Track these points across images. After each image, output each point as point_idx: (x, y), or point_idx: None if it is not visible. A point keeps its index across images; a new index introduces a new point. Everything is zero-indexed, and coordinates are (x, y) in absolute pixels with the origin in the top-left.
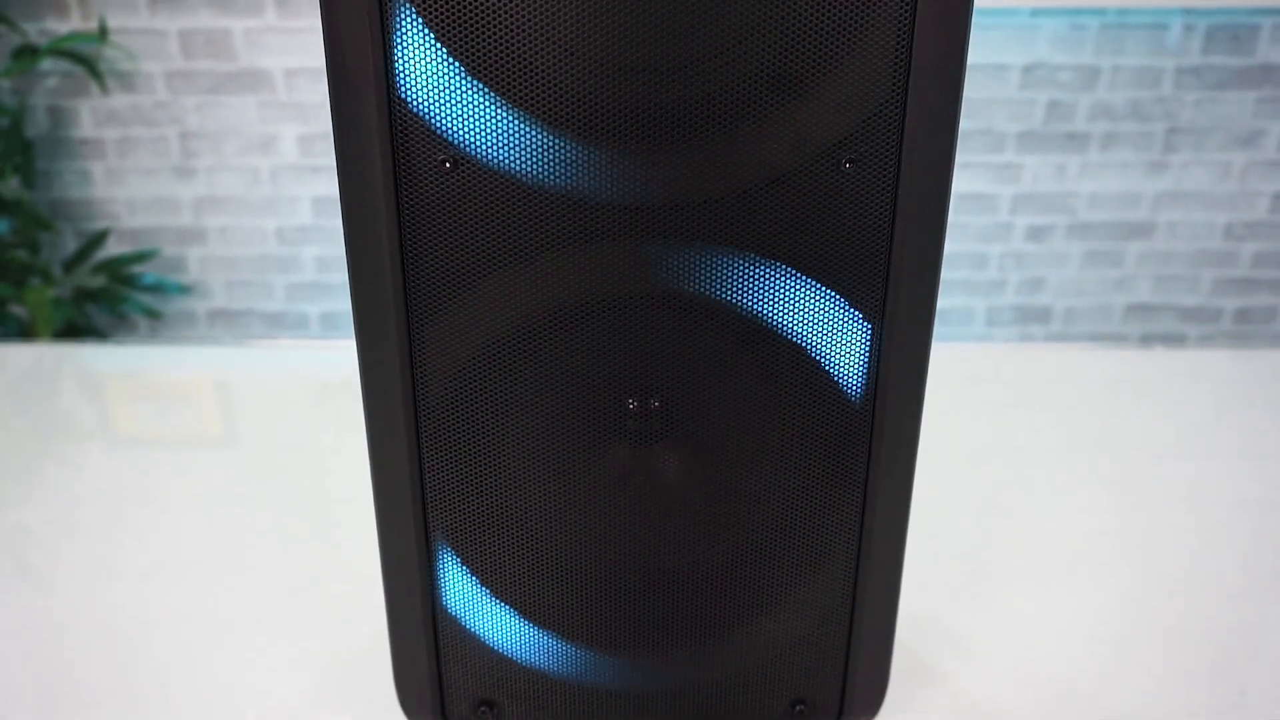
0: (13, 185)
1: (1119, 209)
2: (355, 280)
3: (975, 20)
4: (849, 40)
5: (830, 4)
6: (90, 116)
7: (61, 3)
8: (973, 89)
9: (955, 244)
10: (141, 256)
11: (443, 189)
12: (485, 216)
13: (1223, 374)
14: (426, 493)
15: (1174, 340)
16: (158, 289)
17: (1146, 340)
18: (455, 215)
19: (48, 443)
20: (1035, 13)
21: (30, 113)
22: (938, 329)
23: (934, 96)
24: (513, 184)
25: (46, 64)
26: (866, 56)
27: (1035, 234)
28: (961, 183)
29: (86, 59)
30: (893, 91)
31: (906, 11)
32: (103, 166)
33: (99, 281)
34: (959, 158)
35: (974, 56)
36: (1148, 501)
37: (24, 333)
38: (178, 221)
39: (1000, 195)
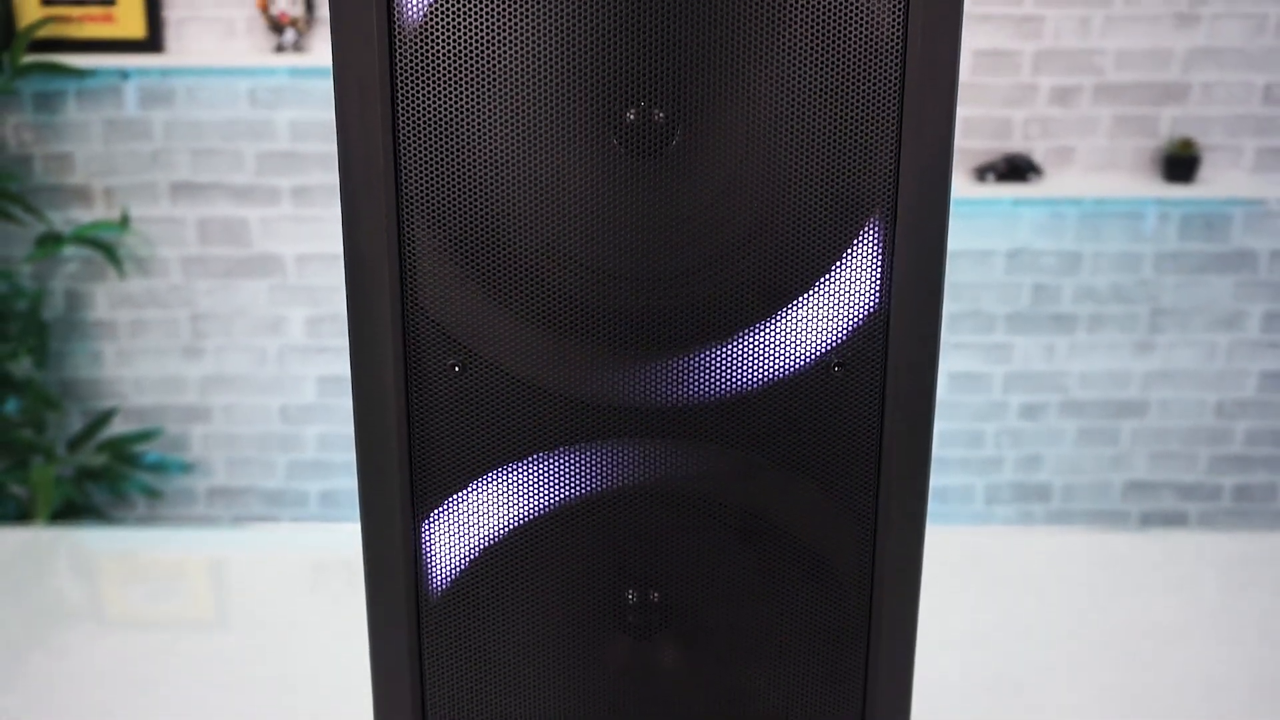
0: (24, 366)
1: (1110, 388)
2: (363, 477)
3: (959, 209)
4: (835, 253)
5: (817, 220)
6: (106, 299)
7: (87, 193)
8: (960, 273)
9: (951, 422)
10: (145, 435)
11: (451, 391)
12: (490, 417)
13: (1227, 555)
14: (426, 689)
15: (1175, 518)
16: (159, 467)
17: (1147, 517)
18: (462, 416)
19: (37, 627)
20: (1016, 202)
21: (48, 296)
22: (937, 507)
23: (917, 303)
24: (517, 386)
25: (68, 250)
26: (854, 267)
27: (1029, 412)
28: (954, 362)
29: (106, 245)
30: (878, 299)
31: (887, 225)
32: (114, 347)
33: (101, 460)
34: (951, 338)
35: (960, 243)
36: (1159, 687)
37: (22, 513)
38: (183, 400)
39: (992, 374)
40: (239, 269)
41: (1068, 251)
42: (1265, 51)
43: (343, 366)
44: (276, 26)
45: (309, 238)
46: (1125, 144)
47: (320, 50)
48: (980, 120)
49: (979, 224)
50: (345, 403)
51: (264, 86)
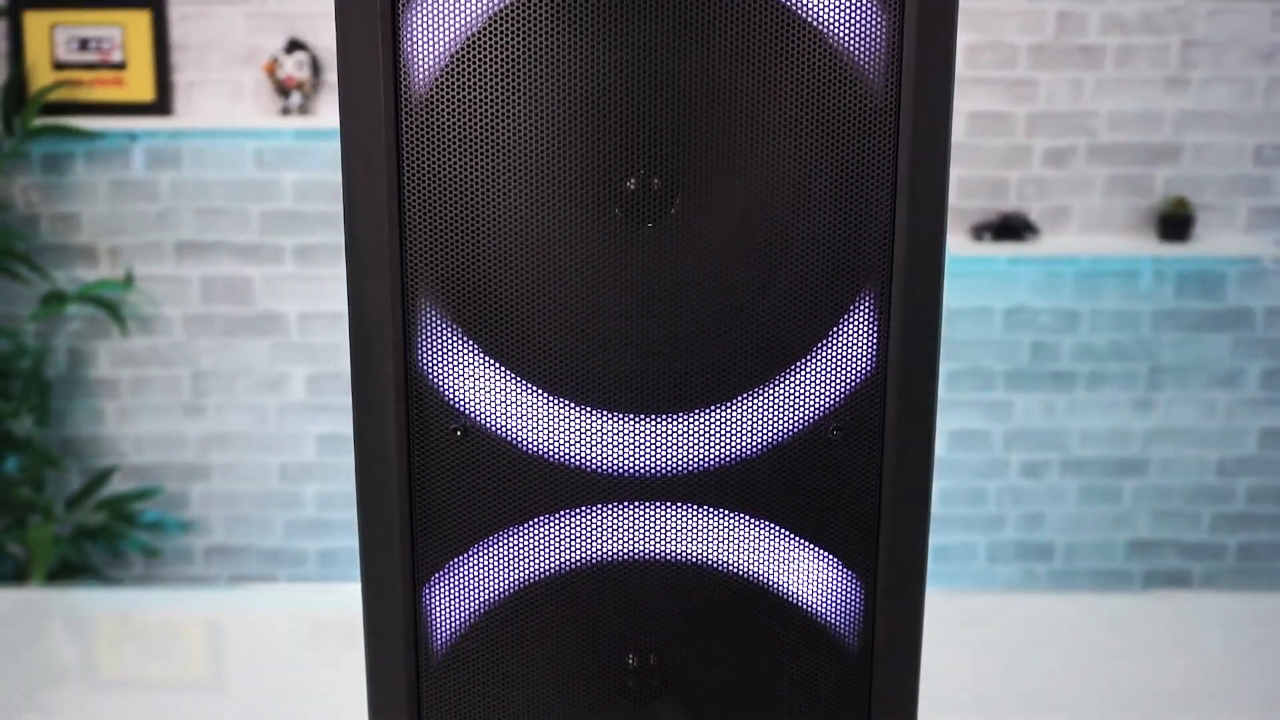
0: (26, 424)
1: (1111, 445)
2: (365, 539)
3: (957, 268)
4: (832, 318)
5: (814, 285)
6: (108, 357)
7: (92, 253)
8: (959, 331)
9: (952, 480)
10: (144, 494)
11: (452, 456)
12: (491, 482)
13: (1232, 617)
14: None
15: (1179, 577)
16: (157, 526)
17: (1151, 577)
18: (463, 480)
19: (30, 688)
20: (1013, 260)
21: (51, 353)
22: (939, 566)
23: (914, 367)
24: (518, 452)
25: (72, 308)
26: (850, 332)
27: (1030, 470)
28: (954, 420)
29: (110, 304)
30: (875, 363)
31: (883, 290)
32: (115, 405)
33: (99, 519)
34: (950, 396)
35: (958, 301)
36: None
37: (18, 572)
38: (183, 458)
39: (993, 432)
40: (241, 327)
41: (1065, 309)
42: (1254, 114)
43: (343, 425)
44: (283, 90)
45: (311, 296)
46: (1119, 203)
47: (325, 112)
48: (976, 180)
49: (976, 282)
50: (345, 461)
51: (270, 148)
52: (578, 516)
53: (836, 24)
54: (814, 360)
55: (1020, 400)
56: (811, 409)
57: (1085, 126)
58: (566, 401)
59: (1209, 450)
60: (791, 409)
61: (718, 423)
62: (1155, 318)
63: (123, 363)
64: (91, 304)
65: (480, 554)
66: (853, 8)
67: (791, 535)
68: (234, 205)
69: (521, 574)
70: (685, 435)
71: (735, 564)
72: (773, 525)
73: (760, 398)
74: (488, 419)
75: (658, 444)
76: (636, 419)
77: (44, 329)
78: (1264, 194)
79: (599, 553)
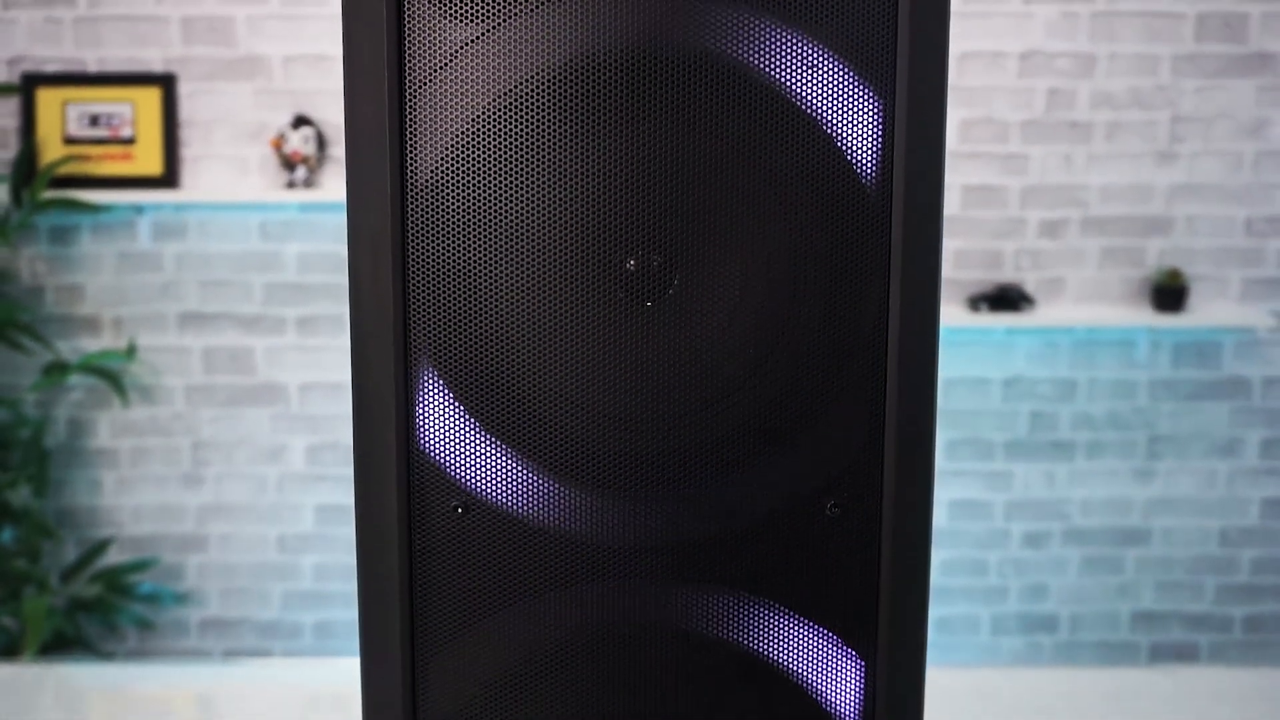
0: (23, 494)
1: (1112, 515)
2: (364, 616)
3: (955, 338)
4: (828, 394)
5: (810, 362)
6: (108, 428)
7: (96, 323)
8: (957, 401)
9: (953, 550)
10: (140, 565)
11: (453, 532)
12: (491, 558)
13: (1240, 691)
14: None
15: (1186, 650)
16: (153, 598)
17: (1157, 649)
18: (463, 557)
19: None
20: (1010, 331)
21: (51, 424)
22: (943, 638)
23: (910, 442)
24: (518, 528)
25: (73, 379)
26: (846, 409)
27: (1032, 540)
28: (954, 490)
29: (112, 374)
30: (871, 440)
31: (879, 369)
32: (114, 475)
33: (95, 591)
34: (950, 465)
35: (956, 370)
36: None
37: (11, 645)
38: (180, 529)
39: (993, 502)
40: (242, 397)
41: (1063, 379)
42: (1244, 187)
43: (342, 495)
44: (289, 164)
45: (313, 367)
46: (1114, 274)
47: (330, 186)
48: (972, 252)
49: (974, 352)
50: (343, 531)
51: (274, 220)
52: (577, 592)
53: (830, 110)
54: (811, 437)
55: (1020, 470)
56: (809, 486)
57: (1077, 199)
58: (567, 478)
59: (1211, 520)
60: (789, 486)
61: (716, 499)
62: (1152, 387)
63: (123, 433)
64: (93, 374)
65: (480, 630)
66: (846, 95)
67: (790, 612)
68: (238, 276)
69: (520, 650)
70: (684, 512)
71: (734, 640)
72: (772, 602)
73: (758, 474)
74: (488, 496)
75: (656, 520)
76: (636, 495)
77: (45, 399)
78: (1256, 265)
79: (598, 629)
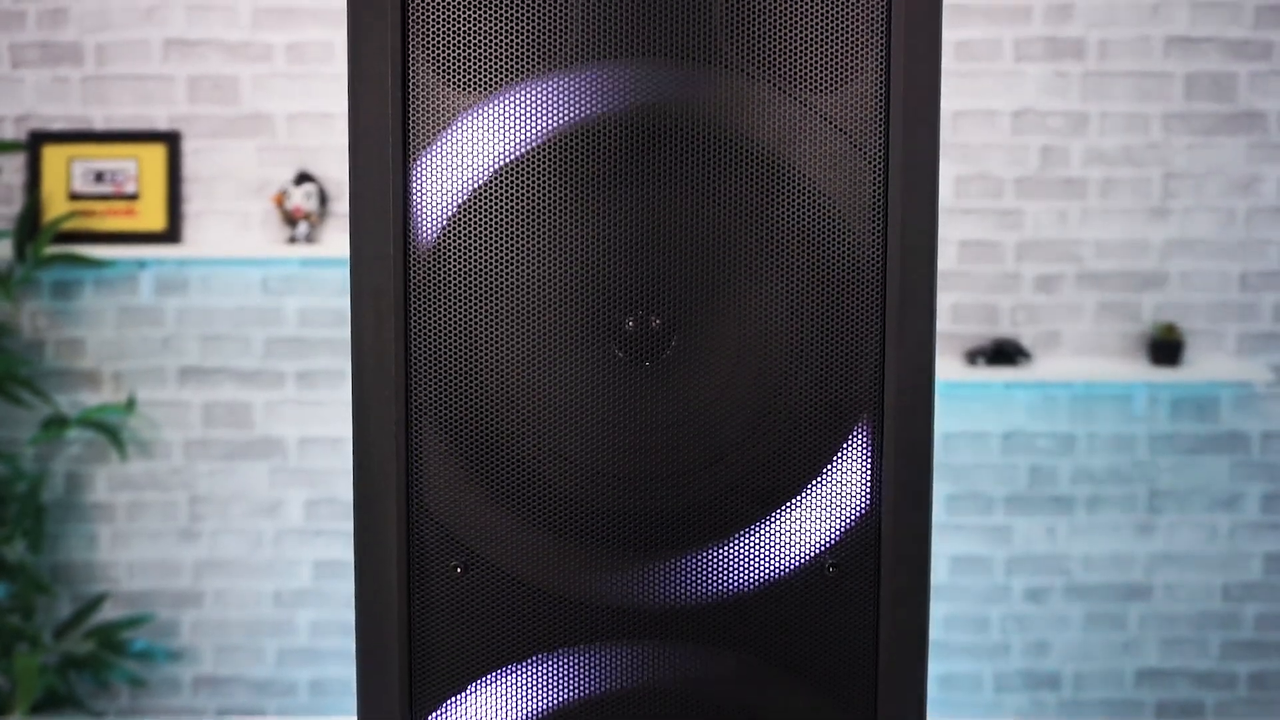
0: (18, 549)
1: (1114, 570)
2: (363, 675)
3: (953, 392)
4: (826, 455)
5: (807, 423)
6: (105, 482)
7: (96, 377)
8: (956, 455)
9: (954, 606)
10: (134, 622)
11: (453, 592)
12: (491, 618)
13: None
14: None
15: (1192, 707)
16: (146, 655)
17: (1163, 707)
18: (463, 617)
19: None
20: (1008, 385)
21: (49, 477)
22: (945, 695)
23: (907, 502)
24: (518, 588)
25: (72, 432)
26: (844, 469)
27: (1034, 596)
28: (954, 544)
29: (111, 428)
30: (869, 499)
31: (875, 427)
32: (110, 530)
33: (88, 648)
34: (950, 520)
35: (955, 425)
36: None
37: (1, 704)
38: (176, 585)
39: (994, 557)
40: (241, 451)
41: (1061, 433)
42: (1237, 242)
43: (339, 550)
44: (290, 220)
45: (312, 421)
46: (1110, 329)
47: (331, 241)
48: (968, 306)
49: (972, 406)
50: (340, 587)
51: (275, 275)
52: (576, 653)
53: (826, 177)
54: (809, 497)
55: (1020, 524)
56: (808, 546)
57: (1073, 254)
58: (567, 538)
59: (1213, 575)
60: (788, 546)
61: (716, 559)
62: (1152, 441)
63: (120, 487)
64: (92, 428)
65: (479, 690)
66: (840, 158)
67: (790, 672)
68: (238, 331)
69: (520, 710)
70: (684, 572)
71: (733, 701)
72: (771, 663)
73: (757, 534)
74: (488, 555)
75: (656, 580)
76: (635, 555)
77: (43, 453)
78: (1252, 319)
79: (597, 689)
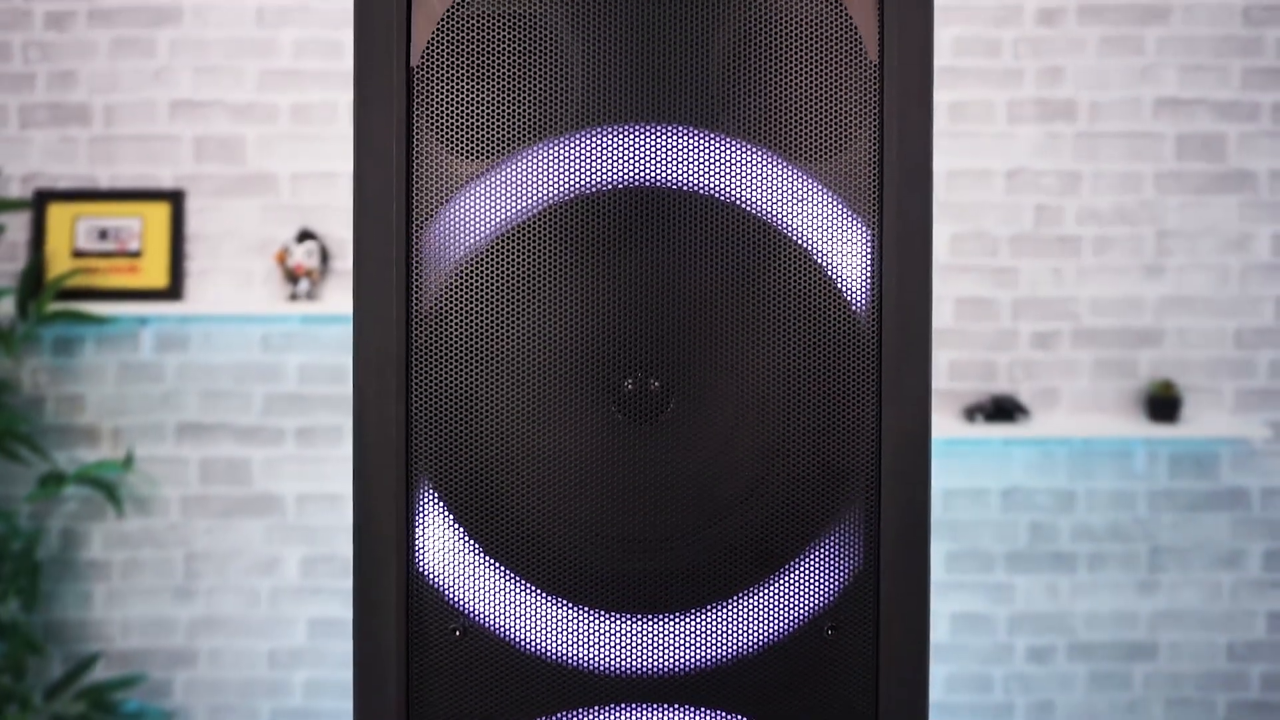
0: (12, 609)
1: (1117, 629)
2: None
3: (952, 449)
4: (824, 517)
5: (806, 485)
6: (101, 539)
7: (94, 433)
8: (955, 512)
9: (956, 665)
10: (126, 682)
11: (451, 656)
12: (489, 682)
13: None
14: None
15: None
16: (138, 716)
17: None
18: (461, 680)
19: None
20: (1007, 442)
21: (44, 535)
22: None
23: (905, 563)
24: (517, 652)
25: (69, 489)
26: (841, 531)
27: (1037, 655)
28: (955, 603)
29: (108, 485)
30: (866, 562)
31: (872, 492)
32: (105, 588)
33: (79, 709)
34: (951, 578)
35: (954, 482)
36: None
37: None
38: (170, 643)
39: (996, 615)
40: (238, 508)
41: (1061, 490)
42: (1231, 300)
43: (336, 608)
44: (292, 277)
45: (310, 478)
46: (1107, 385)
47: (332, 298)
48: (966, 363)
49: (971, 463)
50: (335, 646)
51: (276, 332)
52: (576, 718)
53: (821, 240)
54: (807, 559)
55: (1022, 582)
56: (806, 608)
57: (1069, 311)
58: (567, 602)
59: (1217, 634)
60: (787, 608)
61: (716, 622)
62: (1152, 498)
63: (116, 544)
64: (89, 485)
65: None
66: (835, 226)
67: None
68: (238, 387)
69: None
70: (685, 635)
71: None
72: None
73: (757, 597)
74: (487, 619)
75: (657, 644)
76: (636, 618)
77: (39, 510)
78: (1248, 376)
79: None
